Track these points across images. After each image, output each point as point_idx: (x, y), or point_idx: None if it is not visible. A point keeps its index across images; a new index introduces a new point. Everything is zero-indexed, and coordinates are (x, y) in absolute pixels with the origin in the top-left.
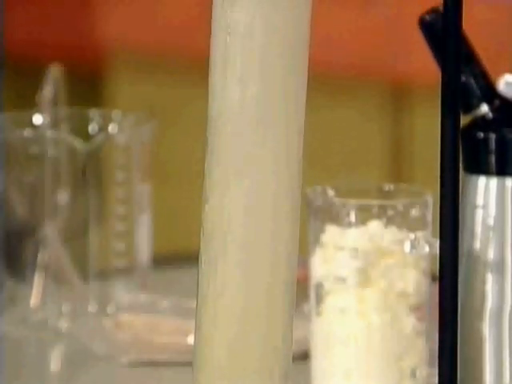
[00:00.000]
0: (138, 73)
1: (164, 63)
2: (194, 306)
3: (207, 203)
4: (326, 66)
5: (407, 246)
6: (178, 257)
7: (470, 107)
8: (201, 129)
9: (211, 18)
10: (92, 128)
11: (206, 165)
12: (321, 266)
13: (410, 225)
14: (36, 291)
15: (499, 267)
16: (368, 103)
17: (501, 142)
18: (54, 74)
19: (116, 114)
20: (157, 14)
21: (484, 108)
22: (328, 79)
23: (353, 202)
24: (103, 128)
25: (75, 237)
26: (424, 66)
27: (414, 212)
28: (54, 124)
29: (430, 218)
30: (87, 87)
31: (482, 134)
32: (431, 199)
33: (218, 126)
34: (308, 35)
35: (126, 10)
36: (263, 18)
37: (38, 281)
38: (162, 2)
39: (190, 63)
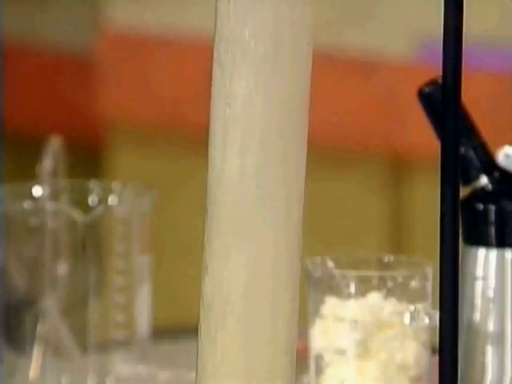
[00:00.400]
0: (138, 145)
1: (163, 136)
2: (194, 377)
3: (207, 273)
4: (327, 139)
5: (407, 318)
6: (178, 329)
7: (470, 179)
8: (200, 201)
9: (210, 90)
10: (92, 200)
11: (205, 234)
12: (320, 337)
13: (410, 296)
14: (35, 363)
15: (499, 339)
16: (368, 175)
17: (500, 213)
18: (54, 146)
19: (116, 185)
20: (156, 87)
21: (483, 180)
22: (328, 151)
23: (352, 273)
24: (103, 199)
25: (75, 308)
26: (423, 138)
27: (414, 284)
28: (54, 196)
29: (429, 289)
30: (87, 159)
31: (481, 206)
32: (431, 271)
33: (218, 196)
34: (307, 106)
35: (125, 83)
36: (262, 90)
37: (37, 353)
38: (161, 74)
39: (189, 136)
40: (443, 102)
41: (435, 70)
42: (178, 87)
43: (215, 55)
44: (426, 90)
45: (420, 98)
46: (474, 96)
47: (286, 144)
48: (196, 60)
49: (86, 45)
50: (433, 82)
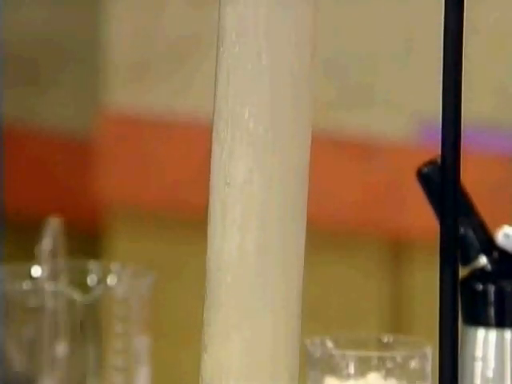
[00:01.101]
0: (137, 227)
1: (163, 217)
2: None
3: (206, 352)
4: (326, 221)
5: None
6: None
7: (469, 259)
8: (199, 283)
9: (209, 172)
10: (91, 280)
11: (204, 313)
12: None
13: (410, 377)
14: None
15: None
16: (367, 256)
17: (500, 294)
18: (53, 227)
19: (115, 266)
20: (156, 169)
21: (483, 260)
22: (327, 233)
23: (352, 353)
24: (102, 280)
25: None
26: (423, 220)
27: (414, 364)
28: (53, 276)
29: (429, 369)
30: (86, 240)
31: (480, 286)
32: (430, 351)
33: (217, 275)
34: (306, 186)
35: (125, 165)
36: (261, 169)
37: None
38: (160, 156)
39: (189, 218)
40: (442, 182)
41: (435, 151)
42: (177, 169)
43: (214, 134)
44: (425, 170)
45: (419, 178)
46: (472, 176)
47: (285, 223)
48: (196, 142)
49: (85, 126)
50: (431, 162)
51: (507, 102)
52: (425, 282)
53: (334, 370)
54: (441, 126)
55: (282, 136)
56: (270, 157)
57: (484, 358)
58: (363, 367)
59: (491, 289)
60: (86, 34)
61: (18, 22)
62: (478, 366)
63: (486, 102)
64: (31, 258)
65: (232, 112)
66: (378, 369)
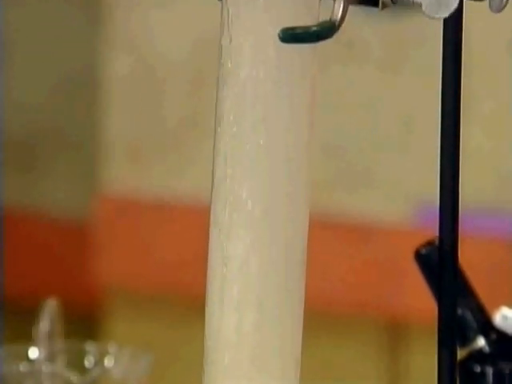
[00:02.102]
0: (135, 309)
1: (160, 300)
2: None
3: None
4: (323, 302)
5: None
6: None
7: (467, 340)
8: (197, 365)
9: (207, 254)
10: (88, 361)
11: None
12: None
13: None
14: None
15: None
16: (364, 339)
17: (498, 375)
18: (51, 309)
19: (112, 347)
20: (154, 252)
21: (481, 341)
22: (324, 316)
23: None
24: (99, 362)
25: None
26: (420, 302)
27: None
28: (50, 358)
29: None
30: (84, 322)
31: (478, 368)
32: None
33: (215, 356)
34: (304, 267)
35: (122, 247)
36: (259, 250)
37: None
38: (158, 239)
39: (187, 301)
40: (440, 263)
41: (433, 234)
42: (176, 252)
43: (212, 215)
44: (423, 251)
45: (417, 259)
46: (470, 258)
47: (283, 304)
48: (194, 223)
49: (83, 209)
50: (430, 244)
51: (506, 185)
52: (423, 364)
53: None
54: (438, 208)
55: (280, 217)
56: (268, 238)
57: None
58: None
59: (489, 371)
60: (84, 116)
61: (18, 108)
62: None
63: (484, 185)
64: (29, 339)
65: (230, 193)
66: None
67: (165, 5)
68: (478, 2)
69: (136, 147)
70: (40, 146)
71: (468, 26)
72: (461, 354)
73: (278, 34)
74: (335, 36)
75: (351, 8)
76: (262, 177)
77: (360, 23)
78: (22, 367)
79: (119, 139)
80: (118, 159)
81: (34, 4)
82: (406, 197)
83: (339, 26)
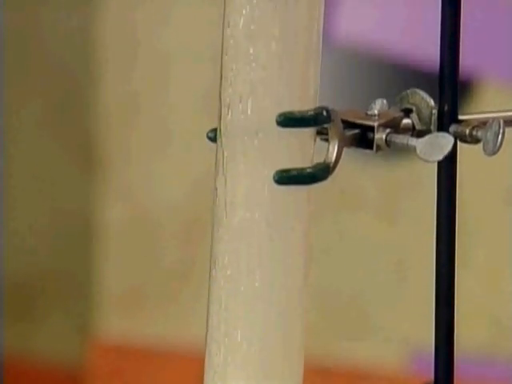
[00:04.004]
0: None
1: None
2: None
3: None
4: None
5: None
6: None
7: None
8: None
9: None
10: None
11: None
12: None
13: None
14: None
15: None
16: None
17: None
18: None
19: None
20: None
21: None
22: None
23: None
24: None
25: None
26: None
27: None
28: None
29: None
30: None
31: None
32: None
33: None
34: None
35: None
36: None
37: None
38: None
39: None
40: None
41: (427, 379)
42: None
43: (207, 358)
44: None
45: None
46: None
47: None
48: (190, 372)
49: (80, 356)
50: None
51: (501, 333)
52: None
53: None
54: (434, 353)
55: (276, 359)
56: (263, 379)
57: None
58: None
59: None
60: (81, 261)
61: (17, 251)
62: None
63: (480, 333)
64: None
65: (225, 335)
66: None
67: (161, 150)
68: (472, 146)
69: (132, 294)
70: (37, 292)
71: (463, 172)
72: None
73: (273, 176)
74: (330, 181)
75: (346, 151)
76: (258, 319)
77: (354, 168)
78: None
79: (116, 285)
80: (115, 306)
81: (32, 150)
82: (400, 343)
83: (334, 167)
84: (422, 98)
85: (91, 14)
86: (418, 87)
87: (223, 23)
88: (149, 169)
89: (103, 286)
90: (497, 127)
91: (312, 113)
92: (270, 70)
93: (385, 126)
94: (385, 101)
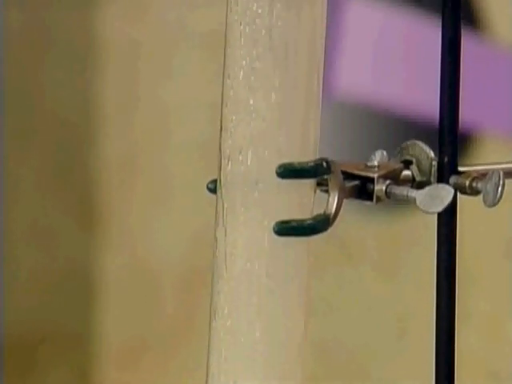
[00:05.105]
0: None
1: None
2: None
3: None
4: None
5: None
6: None
7: None
8: None
9: None
10: None
11: None
12: None
13: None
14: None
15: None
16: None
17: None
18: None
19: None
20: None
21: None
22: None
23: None
24: None
25: None
26: None
27: None
28: None
29: None
30: None
31: None
32: None
33: None
34: None
35: None
36: None
37: None
38: None
39: None
40: None
41: None
42: None
43: None
44: None
45: None
46: None
47: None
48: None
49: None
50: None
51: None
52: None
53: None
54: None
55: None
56: None
57: None
58: None
59: None
60: (79, 315)
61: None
62: None
63: None
64: None
65: None
66: None
67: (161, 203)
68: (472, 198)
69: (132, 346)
70: (37, 345)
71: (463, 224)
72: None
73: (273, 227)
74: (330, 233)
75: (346, 202)
76: (258, 371)
77: (354, 220)
78: None
79: (115, 338)
80: (114, 358)
81: (32, 204)
82: None
83: (334, 219)
84: (422, 149)
85: (91, 70)
86: (417, 139)
87: (223, 74)
88: (149, 221)
89: (103, 339)
90: (497, 179)
91: (312, 164)
92: (269, 121)
93: (385, 177)
94: (385, 152)
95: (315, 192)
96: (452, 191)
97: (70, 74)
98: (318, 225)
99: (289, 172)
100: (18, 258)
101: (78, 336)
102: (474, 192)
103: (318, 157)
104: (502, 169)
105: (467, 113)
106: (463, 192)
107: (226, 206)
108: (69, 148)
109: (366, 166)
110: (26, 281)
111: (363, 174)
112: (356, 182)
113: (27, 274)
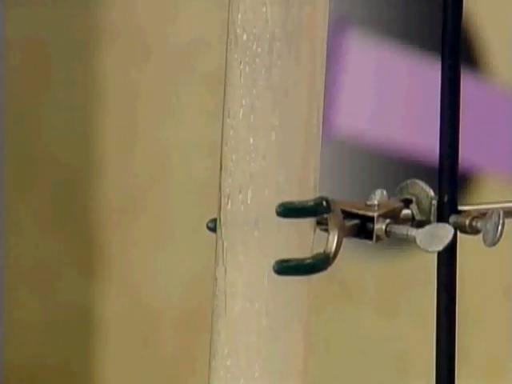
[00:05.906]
0: None
1: None
2: None
3: None
4: None
5: None
6: None
7: None
8: None
9: None
10: None
11: None
12: None
13: None
14: None
15: None
16: None
17: None
18: None
19: None
20: None
21: None
22: None
23: None
24: None
25: None
26: None
27: None
28: None
29: None
30: None
31: None
32: None
33: None
34: None
35: None
36: None
37: None
38: None
39: None
40: None
41: None
42: None
43: None
44: None
45: None
46: None
47: None
48: None
49: None
50: None
51: None
52: None
53: None
54: None
55: None
56: None
57: None
58: None
59: None
60: (80, 360)
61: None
62: None
63: None
64: None
65: None
66: None
67: (161, 244)
68: (472, 237)
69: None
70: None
71: (463, 263)
72: None
73: (273, 266)
74: (330, 272)
75: (346, 241)
76: None
77: (354, 259)
78: None
79: (115, 379)
80: None
81: (32, 245)
82: None
83: (334, 258)
84: (422, 188)
85: (91, 110)
86: (417, 178)
87: (223, 113)
88: (149, 262)
89: (103, 381)
90: (497, 218)
91: (312, 203)
92: (269, 160)
93: (384, 216)
94: (384, 191)
95: (315, 231)
96: (452, 230)
97: (70, 116)
98: (318, 264)
99: (289, 211)
100: (18, 301)
101: (78, 378)
102: (474, 231)
103: (317, 196)
104: (502, 208)
105: (467, 153)
106: (463, 231)
107: (225, 244)
108: (68, 191)
109: (366, 204)
110: (26, 323)
111: (363, 212)
112: (356, 221)
113: (27, 316)
